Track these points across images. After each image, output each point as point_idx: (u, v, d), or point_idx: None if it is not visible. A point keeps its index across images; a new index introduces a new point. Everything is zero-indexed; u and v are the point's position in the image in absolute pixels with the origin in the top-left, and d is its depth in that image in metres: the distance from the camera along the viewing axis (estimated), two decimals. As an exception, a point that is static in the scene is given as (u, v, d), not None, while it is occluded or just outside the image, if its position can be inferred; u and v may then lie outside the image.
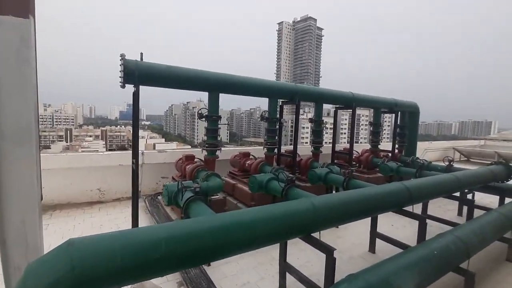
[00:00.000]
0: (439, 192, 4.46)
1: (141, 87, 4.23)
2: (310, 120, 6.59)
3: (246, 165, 6.14)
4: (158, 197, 6.11)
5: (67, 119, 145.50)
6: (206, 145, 5.04)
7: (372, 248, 4.46)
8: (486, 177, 5.65)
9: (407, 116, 8.90)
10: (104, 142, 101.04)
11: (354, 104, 6.86)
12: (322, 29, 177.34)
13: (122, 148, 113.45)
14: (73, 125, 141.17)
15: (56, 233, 4.84)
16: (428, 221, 4.05)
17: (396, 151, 8.74)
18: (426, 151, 14.21)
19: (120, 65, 4.12)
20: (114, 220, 5.45)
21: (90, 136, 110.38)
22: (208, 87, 4.86)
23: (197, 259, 2.08)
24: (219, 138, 5.09)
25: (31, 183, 2.41)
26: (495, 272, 3.95)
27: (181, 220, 2.24)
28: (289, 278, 3.36)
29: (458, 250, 3.17)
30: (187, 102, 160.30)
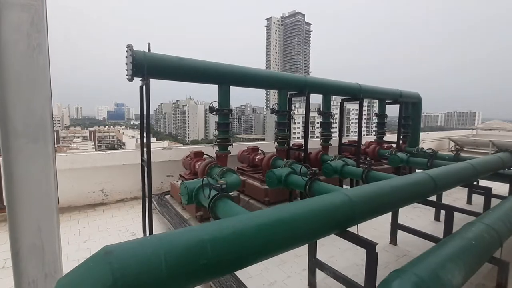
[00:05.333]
0: (459, 180, 4.40)
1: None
2: (319, 112, 6.44)
3: (256, 160, 5.96)
4: (166, 196, 5.86)
5: (53, 120, 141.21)
6: (218, 140, 4.82)
7: (393, 240, 4.38)
8: (497, 165, 5.65)
9: (410, 107, 8.88)
10: (93, 143, 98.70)
11: (361, 95, 6.75)
12: (311, 24, 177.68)
13: (112, 149, 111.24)
14: (59, 126, 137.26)
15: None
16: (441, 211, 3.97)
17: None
18: (423, 141, 14.36)
19: (127, 56, 3.84)
20: (121, 222, 5.19)
21: (78, 137, 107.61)
22: (219, 79, 4.63)
23: (243, 262, 1.90)
24: (230, 133, 4.88)
25: (48, 184, 2.16)
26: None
27: (222, 220, 2.04)
28: (319, 275, 3.24)
29: (492, 239, 3.08)
30: (177, 100, 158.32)
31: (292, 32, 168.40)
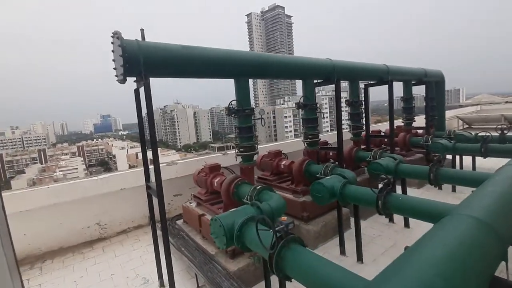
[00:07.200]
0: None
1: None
2: (347, 102, 5.50)
3: (282, 166, 4.97)
4: (177, 221, 4.82)
5: (38, 139, 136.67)
6: (241, 149, 3.79)
7: None
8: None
9: (434, 87, 8.06)
10: (82, 159, 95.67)
11: (390, 78, 5.83)
12: (291, 16, 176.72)
13: (103, 162, 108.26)
14: (45, 145, 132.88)
15: (51, 298, 3.48)
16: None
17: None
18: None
19: (114, 49, 2.78)
20: (128, 263, 4.13)
21: (66, 154, 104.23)
22: (236, 71, 3.60)
23: None
24: (254, 138, 3.86)
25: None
26: None
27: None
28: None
29: None
30: (164, 106, 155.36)
31: (273, 26, 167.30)
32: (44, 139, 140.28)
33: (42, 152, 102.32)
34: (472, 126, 15.94)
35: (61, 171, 68.64)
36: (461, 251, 1.50)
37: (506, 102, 22.46)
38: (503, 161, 5.69)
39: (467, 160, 6.69)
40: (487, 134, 5.28)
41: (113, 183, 4.87)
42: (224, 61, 3.46)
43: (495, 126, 6.18)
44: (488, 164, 7.53)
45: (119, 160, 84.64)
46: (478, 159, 6.26)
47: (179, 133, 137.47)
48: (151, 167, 3.49)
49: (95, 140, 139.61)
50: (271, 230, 1.87)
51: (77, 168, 73.67)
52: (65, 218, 4.58)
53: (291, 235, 1.86)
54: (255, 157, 3.98)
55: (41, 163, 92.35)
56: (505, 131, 5.91)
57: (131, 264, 4.10)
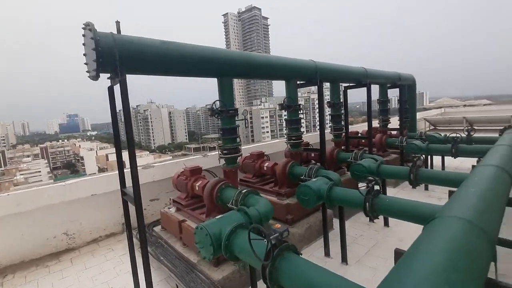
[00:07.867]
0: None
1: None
2: (329, 104, 5.55)
3: (265, 168, 4.89)
4: (154, 228, 4.55)
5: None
6: (225, 152, 3.64)
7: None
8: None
9: (406, 90, 8.44)
10: (46, 161, 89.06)
11: (368, 80, 5.98)
12: (268, 18, 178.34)
13: (69, 164, 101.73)
14: (4, 146, 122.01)
15: (11, 321, 3.09)
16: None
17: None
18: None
19: (86, 42, 2.51)
20: (100, 276, 3.80)
21: (28, 156, 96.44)
22: (220, 70, 3.44)
23: None
24: (238, 140, 3.73)
25: None
26: None
27: None
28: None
29: None
30: (137, 106, 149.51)
31: (250, 27, 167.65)
32: (3, 139, 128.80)
33: (0, 154, 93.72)
34: (437, 127, 17.05)
35: (22, 174, 63.38)
36: (459, 256, 1.48)
37: (465, 105, 24.54)
38: (468, 160, 6.12)
39: (436, 159, 7.11)
40: (457, 135, 5.57)
41: (83, 189, 4.47)
42: (208, 59, 3.29)
43: (457, 127, 6.66)
44: (455, 163, 8.07)
45: (88, 162, 79.98)
46: (446, 158, 6.69)
47: (153, 133, 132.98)
48: (126, 170, 3.25)
49: (60, 141, 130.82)
50: (264, 240, 1.76)
51: (40, 171, 68.43)
52: (28, 228, 4.12)
53: (285, 243, 1.76)
54: (238, 159, 3.85)
55: (0, 166, 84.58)
56: (471, 133, 6.30)
57: (104, 277, 3.78)
